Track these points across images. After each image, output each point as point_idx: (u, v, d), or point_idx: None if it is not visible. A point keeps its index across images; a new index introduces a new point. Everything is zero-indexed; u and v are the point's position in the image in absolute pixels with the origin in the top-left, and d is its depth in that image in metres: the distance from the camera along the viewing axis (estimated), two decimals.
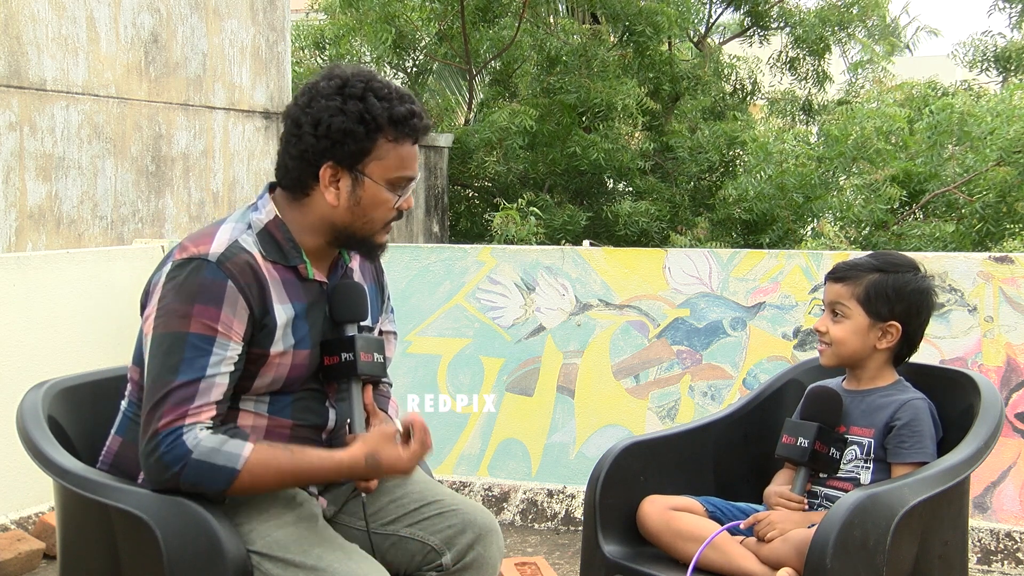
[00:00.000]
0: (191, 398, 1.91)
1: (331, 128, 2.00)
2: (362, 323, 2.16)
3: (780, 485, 2.58)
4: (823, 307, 2.59)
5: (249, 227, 2.05)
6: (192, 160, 6.02)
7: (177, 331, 1.93)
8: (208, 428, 1.93)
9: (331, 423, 2.14)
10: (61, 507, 2.19)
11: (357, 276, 2.22)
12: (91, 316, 4.00)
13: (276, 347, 2.02)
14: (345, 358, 2.08)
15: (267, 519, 2.00)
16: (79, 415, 2.32)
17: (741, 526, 2.49)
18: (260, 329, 2.00)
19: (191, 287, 1.95)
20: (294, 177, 2.07)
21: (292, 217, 2.09)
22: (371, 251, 2.15)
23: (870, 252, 2.64)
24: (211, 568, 1.90)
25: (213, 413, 1.94)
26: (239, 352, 1.97)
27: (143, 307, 2.05)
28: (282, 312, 2.03)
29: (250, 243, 2.02)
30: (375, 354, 2.13)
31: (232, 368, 1.96)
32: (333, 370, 2.10)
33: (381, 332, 2.30)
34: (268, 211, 2.08)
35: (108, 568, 2.06)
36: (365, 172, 2.03)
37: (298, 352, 2.05)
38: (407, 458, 2.04)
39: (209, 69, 6.11)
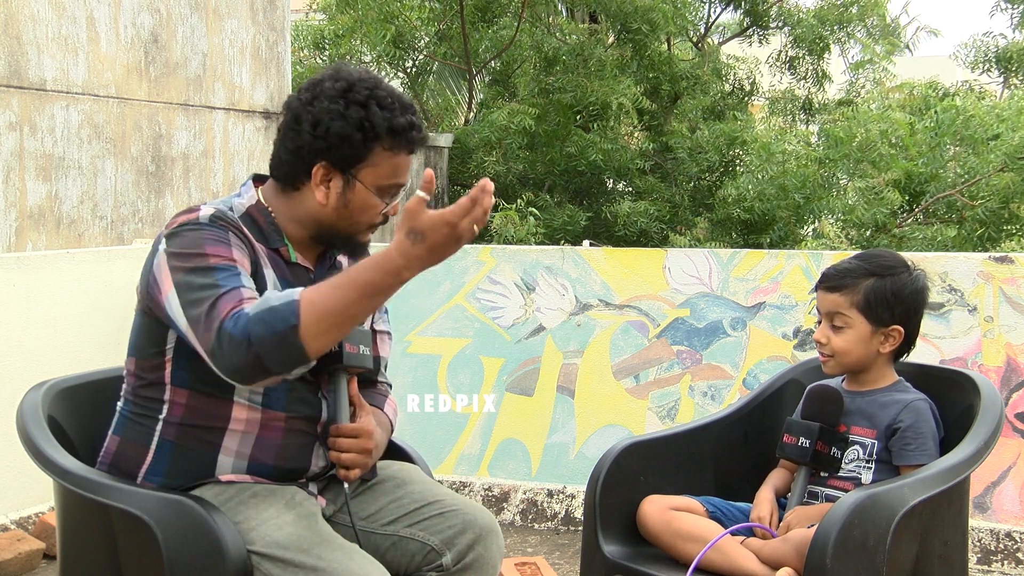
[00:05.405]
0: (240, 296, 1.91)
1: (329, 131, 2.02)
2: None
3: (773, 485, 2.59)
4: (818, 313, 2.58)
5: (231, 209, 2.09)
6: (192, 160, 6.02)
7: (199, 265, 1.94)
8: None
9: (324, 415, 2.15)
10: (61, 507, 2.19)
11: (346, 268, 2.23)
12: (91, 316, 4.00)
13: None
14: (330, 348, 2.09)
15: (266, 519, 2.00)
16: (79, 415, 2.32)
17: (757, 520, 2.49)
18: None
19: (195, 239, 1.98)
20: (286, 171, 2.09)
21: (280, 207, 2.12)
22: (354, 250, 2.18)
23: (856, 254, 2.60)
24: (211, 568, 1.90)
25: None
26: (253, 283, 1.99)
27: (147, 292, 2.04)
28: (270, 276, 2.06)
29: (234, 219, 2.06)
30: (360, 346, 2.14)
31: (255, 289, 1.98)
32: (319, 360, 2.11)
33: (375, 331, 2.31)
34: (250, 197, 2.13)
35: (108, 568, 2.06)
36: (357, 177, 2.05)
37: None
38: (445, 214, 1.80)
39: (209, 69, 6.11)
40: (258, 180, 2.17)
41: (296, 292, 1.87)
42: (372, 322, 2.30)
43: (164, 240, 2.01)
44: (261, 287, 2.03)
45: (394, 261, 1.83)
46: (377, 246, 2.18)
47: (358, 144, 2.03)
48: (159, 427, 2.08)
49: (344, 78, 2.06)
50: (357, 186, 2.06)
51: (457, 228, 1.80)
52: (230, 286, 1.92)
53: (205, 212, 2.03)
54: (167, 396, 2.07)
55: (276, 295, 1.87)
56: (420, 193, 1.83)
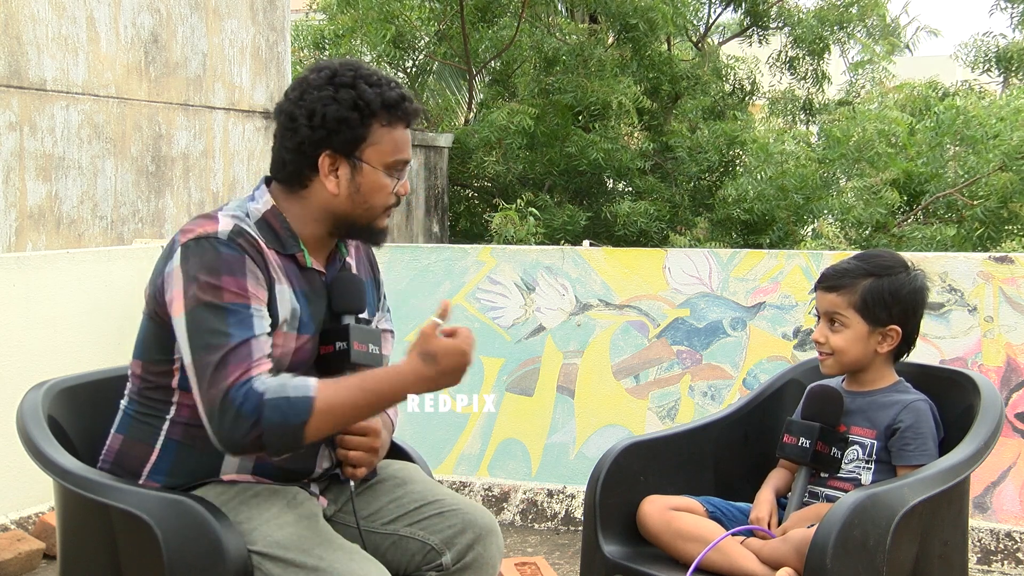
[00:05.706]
0: (249, 355, 1.92)
1: (326, 117, 2.02)
2: (360, 316, 2.17)
3: (773, 486, 2.59)
4: (817, 313, 2.58)
5: (247, 215, 2.07)
6: (192, 160, 6.02)
7: (214, 301, 1.94)
8: (270, 374, 1.96)
9: None
10: (61, 507, 2.19)
11: (354, 270, 2.23)
12: (91, 316, 4.00)
13: (281, 328, 2.03)
14: (339, 347, 2.10)
15: (268, 519, 2.00)
16: (79, 415, 2.31)
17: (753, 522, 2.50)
18: (269, 305, 2.02)
19: (212, 261, 1.96)
20: (291, 170, 2.08)
21: (291, 209, 2.10)
22: (372, 237, 2.17)
23: (856, 254, 2.61)
24: (211, 568, 1.90)
25: (270, 365, 1.96)
26: (267, 318, 2.00)
27: (155, 298, 2.04)
28: (285, 292, 2.05)
29: (251, 228, 2.04)
30: (370, 344, 2.14)
31: (269, 329, 1.99)
32: (328, 359, 2.11)
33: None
34: (265, 201, 2.10)
35: (108, 568, 2.06)
36: (362, 158, 2.06)
37: (300, 336, 2.07)
38: (458, 342, 1.94)
39: (209, 69, 6.11)
40: (270, 182, 2.15)
41: (312, 387, 1.91)
42: (377, 321, 2.30)
43: (180, 250, 1.99)
44: (276, 308, 2.02)
45: (405, 378, 1.94)
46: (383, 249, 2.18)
47: (356, 124, 2.03)
48: (165, 427, 2.08)
49: (326, 67, 2.07)
50: (364, 168, 2.06)
51: (467, 356, 1.94)
52: (240, 338, 1.92)
53: (224, 227, 2.00)
54: (175, 399, 2.07)
55: (292, 384, 1.91)
56: (435, 319, 1.94)
